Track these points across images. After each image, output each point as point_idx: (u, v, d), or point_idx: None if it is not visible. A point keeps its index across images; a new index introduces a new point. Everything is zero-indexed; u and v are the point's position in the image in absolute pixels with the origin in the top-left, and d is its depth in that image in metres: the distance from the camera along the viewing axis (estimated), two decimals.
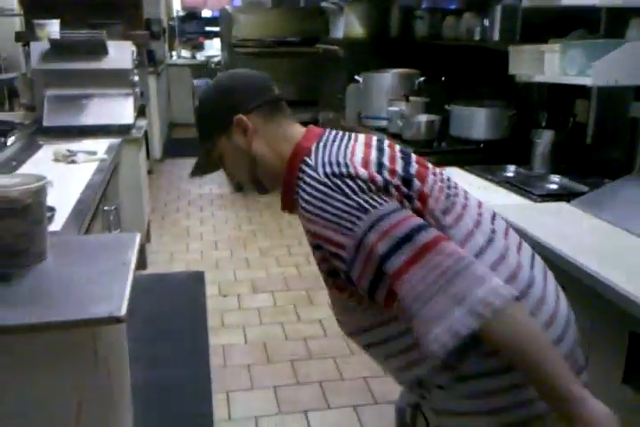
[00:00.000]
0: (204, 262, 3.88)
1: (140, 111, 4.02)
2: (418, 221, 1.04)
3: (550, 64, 2.25)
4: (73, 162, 2.70)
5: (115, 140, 3.22)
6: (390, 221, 1.02)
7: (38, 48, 3.42)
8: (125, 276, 1.42)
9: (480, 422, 1.07)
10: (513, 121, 2.97)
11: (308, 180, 1.09)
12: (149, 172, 5.25)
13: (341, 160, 1.09)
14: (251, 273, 3.72)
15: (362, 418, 2.29)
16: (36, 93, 3.47)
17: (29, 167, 2.63)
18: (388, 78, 3.48)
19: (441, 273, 0.97)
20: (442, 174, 1.20)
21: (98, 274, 1.44)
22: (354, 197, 1.04)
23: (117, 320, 1.25)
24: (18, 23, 5.74)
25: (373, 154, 1.13)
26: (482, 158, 2.87)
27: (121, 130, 3.39)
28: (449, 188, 1.17)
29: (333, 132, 1.23)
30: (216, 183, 5.87)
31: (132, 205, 3.47)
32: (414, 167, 1.13)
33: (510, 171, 2.69)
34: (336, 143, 1.16)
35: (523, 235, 1.82)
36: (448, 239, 1.03)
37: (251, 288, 3.50)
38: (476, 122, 2.96)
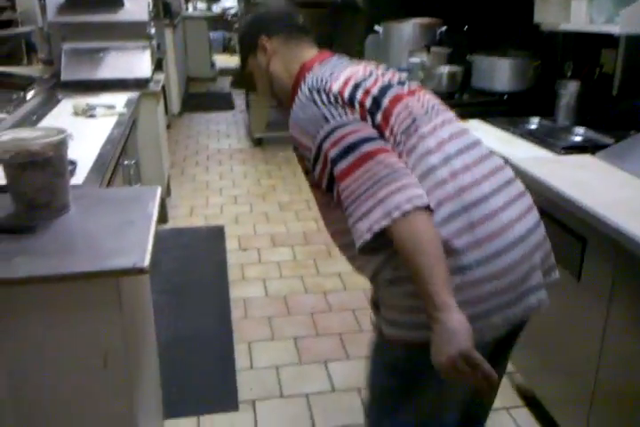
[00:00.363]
0: (224, 217, 3.91)
1: (158, 65, 3.98)
2: (368, 133, 1.16)
3: (577, 11, 2.17)
4: (92, 116, 2.70)
5: (133, 95, 3.21)
6: (344, 131, 1.16)
7: (54, 1, 3.37)
8: (147, 228, 1.44)
9: (421, 318, 1.12)
10: (537, 72, 2.89)
11: (299, 93, 1.25)
12: (168, 126, 5.24)
13: (326, 76, 1.24)
14: (270, 227, 3.74)
15: None
16: (54, 47, 3.45)
17: (49, 121, 2.64)
18: (408, 28, 3.38)
19: (374, 180, 1.11)
20: (426, 103, 1.27)
21: (120, 226, 1.46)
22: (322, 107, 1.19)
23: (141, 271, 1.28)
24: None
25: (360, 74, 1.25)
26: (505, 110, 2.80)
27: (139, 84, 3.36)
28: (425, 113, 1.24)
29: (343, 56, 1.36)
30: (235, 138, 5.85)
31: (151, 159, 3.48)
32: (393, 91, 1.24)
33: (533, 123, 2.64)
34: (333, 63, 1.31)
35: (545, 187, 1.81)
36: (390, 152, 1.15)
37: (270, 242, 3.54)
38: (500, 73, 2.89)
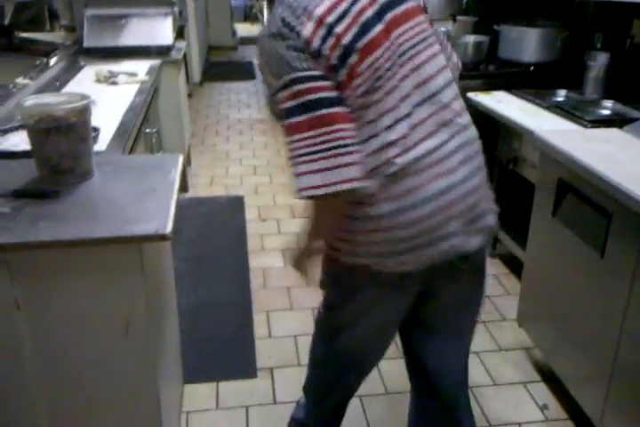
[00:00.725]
0: (244, 187, 3.92)
1: (179, 33, 3.94)
2: (327, 94, 1.13)
3: None
4: (114, 83, 2.69)
5: (155, 62, 3.19)
6: (304, 86, 1.12)
7: None
8: (170, 195, 1.45)
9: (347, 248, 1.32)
10: (566, 42, 2.82)
11: (273, 14, 1.18)
12: (189, 95, 5.22)
13: (303, 4, 1.14)
14: (290, 199, 3.74)
15: (396, 340, 2.35)
16: (76, 13, 3.43)
17: (72, 87, 2.64)
18: None
19: (324, 147, 1.14)
20: (400, 46, 1.20)
21: (143, 193, 1.47)
22: (288, 53, 1.12)
23: (163, 237, 1.29)
24: None
25: (342, 7, 1.14)
26: (531, 82, 2.75)
27: (160, 51, 3.34)
28: (392, 66, 1.19)
29: None
30: (255, 108, 5.82)
31: (172, 128, 3.48)
32: (368, 37, 1.15)
33: (561, 95, 2.58)
34: None
35: (570, 160, 1.78)
36: (344, 119, 1.14)
37: (290, 213, 3.54)
38: (527, 43, 2.82)
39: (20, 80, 2.34)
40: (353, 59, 1.13)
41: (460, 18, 3.10)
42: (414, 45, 1.22)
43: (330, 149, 1.14)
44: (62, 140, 1.45)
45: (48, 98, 1.53)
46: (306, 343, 2.33)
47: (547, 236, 2.02)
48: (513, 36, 2.87)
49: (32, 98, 1.53)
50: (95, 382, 1.45)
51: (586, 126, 2.14)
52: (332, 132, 1.14)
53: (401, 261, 1.27)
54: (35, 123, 1.43)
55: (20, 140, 1.81)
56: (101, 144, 1.88)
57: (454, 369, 1.53)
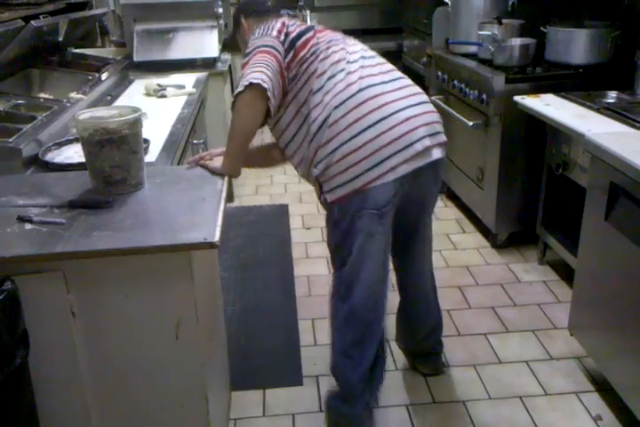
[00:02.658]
0: (288, 196, 3.95)
1: (225, 45, 4.01)
2: (272, 44, 1.68)
3: None
4: (163, 96, 2.76)
5: (201, 74, 3.26)
6: (260, 49, 1.67)
7: None
8: (217, 204, 1.48)
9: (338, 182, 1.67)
10: (616, 43, 2.75)
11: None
12: None
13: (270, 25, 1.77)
14: None
15: (444, 348, 2.32)
16: (126, 29, 3.53)
17: (123, 101, 2.72)
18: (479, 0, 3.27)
19: (252, 63, 1.63)
20: (326, 37, 1.76)
21: (192, 202, 1.50)
22: (264, 31, 1.73)
23: (211, 245, 1.31)
24: None
25: (291, 26, 1.76)
26: (580, 84, 2.69)
27: (207, 63, 3.41)
28: (326, 49, 1.72)
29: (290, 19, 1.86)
30: None
31: (218, 138, 3.53)
32: (307, 35, 1.73)
33: (611, 97, 2.51)
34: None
35: (624, 164, 1.73)
36: (272, 55, 1.66)
37: None
38: (575, 45, 2.76)
39: (73, 95, 2.43)
40: (299, 42, 1.71)
41: (505, 21, 3.05)
42: (334, 39, 1.77)
43: (254, 63, 1.63)
44: (115, 152, 1.49)
45: (101, 111, 1.59)
46: None
47: (599, 241, 1.96)
48: (560, 38, 2.81)
49: (86, 111, 1.59)
50: (145, 388, 1.48)
51: (638, 128, 2.08)
52: (261, 56, 1.65)
53: (388, 167, 1.62)
54: (89, 135, 1.48)
55: (73, 153, 1.88)
56: (152, 155, 1.93)
57: (425, 274, 2.05)
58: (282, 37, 1.70)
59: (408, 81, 1.78)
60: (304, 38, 1.72)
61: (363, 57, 1.73)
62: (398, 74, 1.78)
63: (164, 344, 1.44)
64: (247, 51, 1.70)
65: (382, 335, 1.85)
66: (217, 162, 1.73)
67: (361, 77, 1.67)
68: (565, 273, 2.73)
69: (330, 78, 1.66)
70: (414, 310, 2.10)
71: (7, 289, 1.23)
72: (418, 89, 1.78)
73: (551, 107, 2.45)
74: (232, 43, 2.12)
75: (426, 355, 2.19)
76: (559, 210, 2.70)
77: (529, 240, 3.00)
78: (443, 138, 1.74)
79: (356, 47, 1.77)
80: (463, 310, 2.58)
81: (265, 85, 1.57)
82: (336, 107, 1.63)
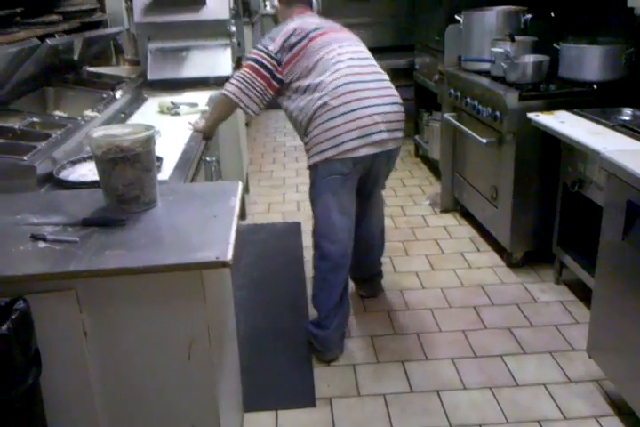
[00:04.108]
0: (301, 213, 3.93)
1: (238, 63, 4.04)
2: (263, 60, 2.25)
3: None
4: (176, 114, 2.77)
5: (214, 92, 3.27)
6: (259, 53, 2.27)
7: (140, 2, 3.48)
8: (230, 222, 1.47)
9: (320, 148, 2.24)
10: (630, 60, 2.73)
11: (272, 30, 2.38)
12: (246, 124, 5.33)
13: (275, 32, 2.32)
14: None
15: (460, 370, 2.29)
16: (140, 48, 3.56)
17: (137, 119, 2.73)
18: (491, 16, 3.26)
19: (238, 75, 2.30)
20: (320, 43, 2.26)
21: (204, 220, 1.49)
22: (263, 41, 2.32)
23: (224, 264, 1.30)
24: None
25: (299, 29, 2.27)
26: (595, 101, 2.67)
27: (219, 81, 3.42)
28: (321, 49, 2.25)
29: (311, 15, 2.43)
30: None
31: (231, 156, 3.54)
32: (300, 45, 2.24)
33: (627, 114, 2.49)
34: (300, 18, 2.36)
35: (637, 180, 1.70)
36: (256, 71, 2.25)
37: None
38: (589, 61, 2.74)
39: (88, 113, 2.44)
40: (291, 53, 2.24)
41: (518, 38, 3.04)
42: (328, 42, 2.28)
43: (239, 76, 2.28)
44: (128, 170, 1.49)
45: (115, 129, 1.59)
46: (365, 373, 2.30)
47: (617, 260, 1.93)
48: (574, 55, 2.80)
49: (100, 129, 1.59)
50: (157, 408, 1.46)
51: None
52: (248, 71, 2.26)
53: (350, 146, 2.17)
54: (102, 153, 1.48)
55: (87, 171, 1.88)
56: (165, 173, 1.92)
57: (374, 222, 2.65)
58: (278, 48, 2.23)
59: (387, 83, 2.28)
60: (309, 37, 2.24)
61: (351, 58, 2.24)
62: (380, 76, 2.28)
63: (177, 364, 1.42)
64: (249, 54, 2.34)
65: (348, 266, 2.41)
66: (199, 124, 2.46)
67: (346, 74, 2.18)
68: (583, 293, 2.68)
69: (323, 74, 2.19)
70: (363, 245, 2.60)
71: (20, 308, 1.23)
72: (393, 91, 2.28)
73: (566, 124, 2.43)
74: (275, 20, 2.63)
75: (369, 278, 2.82)
76: (575, 228, 2.66)
77: (545, 259, 2.96)
78: (399, 134, 2.28)
79: (349, 49, 2.28)
80: (478, 331, 2.54)
81: (233, 98, 2.28)
82: (326, 94, 2.16)
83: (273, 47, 2.24)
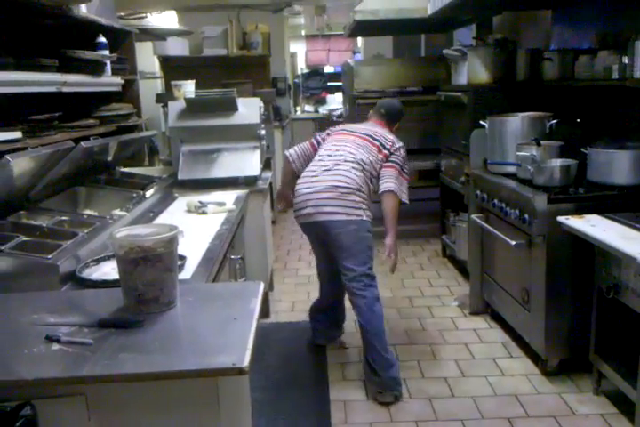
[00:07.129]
0: None
1: (266, 164, 4.16)
2: (316, 139, 3.19)
3: None
4: (203, 213, 2.81)
5: (242, 192, 3.34)
6: (310, 140, 3.20)
7: (175, 107, 3.67)
8: (249, 326, 1.42)
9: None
10: None
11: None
12: (273, 222, 5.39)
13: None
14: None
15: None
16: (173, 149, 3.71)
17: (165, 218, 2.78)
18: (516, 122, 3.33)
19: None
20: (333, 140, 3.08)
21: (224, 322, 1.45)
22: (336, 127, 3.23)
23: (240, 371, 1.24)
24: (159, 85, 6.30)
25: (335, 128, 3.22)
26: (625, 205, 2.63)
27: (248, 181, 3.51)
28: (328, 143, 3.08)
29: (373, 125, 3.18)
30: None
31: (256, 253, 3.54)
32: (324, 134, 3.17)
33: None
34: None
35: None
36: (311, 144, 3.17)
37: None
38: (619, 165, 2.74)
39: (116, 211, 2.49)
40: (322, 137, 3.19)
41: (544, 142, 3.08)
42: (337, 141, 3.17)
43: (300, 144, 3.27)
44: (149, 270, 1.48)
45: (138, 229, 1.59)
46: None
47: None
48: (602, 159, 2.81)
49: (124, 229, 1.60)
50: None
51: None
52: (308, 141, 3.23)
53: (297, 215, 2.91)
54: (124, 253, 1.48)
55: (110, 269, 1.87)
56: (187, 272, 1.91)
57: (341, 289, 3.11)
58: (324, 135, 3.15)
59: (337, 172, 2.85)
60: (327, 135, 3.15)
61: (329, 155, 2.94)
62: (338, 167, 2.87)
63: None
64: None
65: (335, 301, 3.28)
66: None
67: (312, 165, 2.97)
68: (625, 406, 2.49)
69: (313, 161, 3.02)
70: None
71: (26, 415, 1.19)
72: (337, 177, 2.83)
73: (597, 228, 2.38)
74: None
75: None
76: (613, 336, 2.52)
77: (582, 367, 2.79)
78: (325, 209, 2.80)
79: (338, 147, 2.96)
80: None
81: (289, 157, 3.13)
82: (300, 176, 3.00)
83: (325, 134, 3.20)
